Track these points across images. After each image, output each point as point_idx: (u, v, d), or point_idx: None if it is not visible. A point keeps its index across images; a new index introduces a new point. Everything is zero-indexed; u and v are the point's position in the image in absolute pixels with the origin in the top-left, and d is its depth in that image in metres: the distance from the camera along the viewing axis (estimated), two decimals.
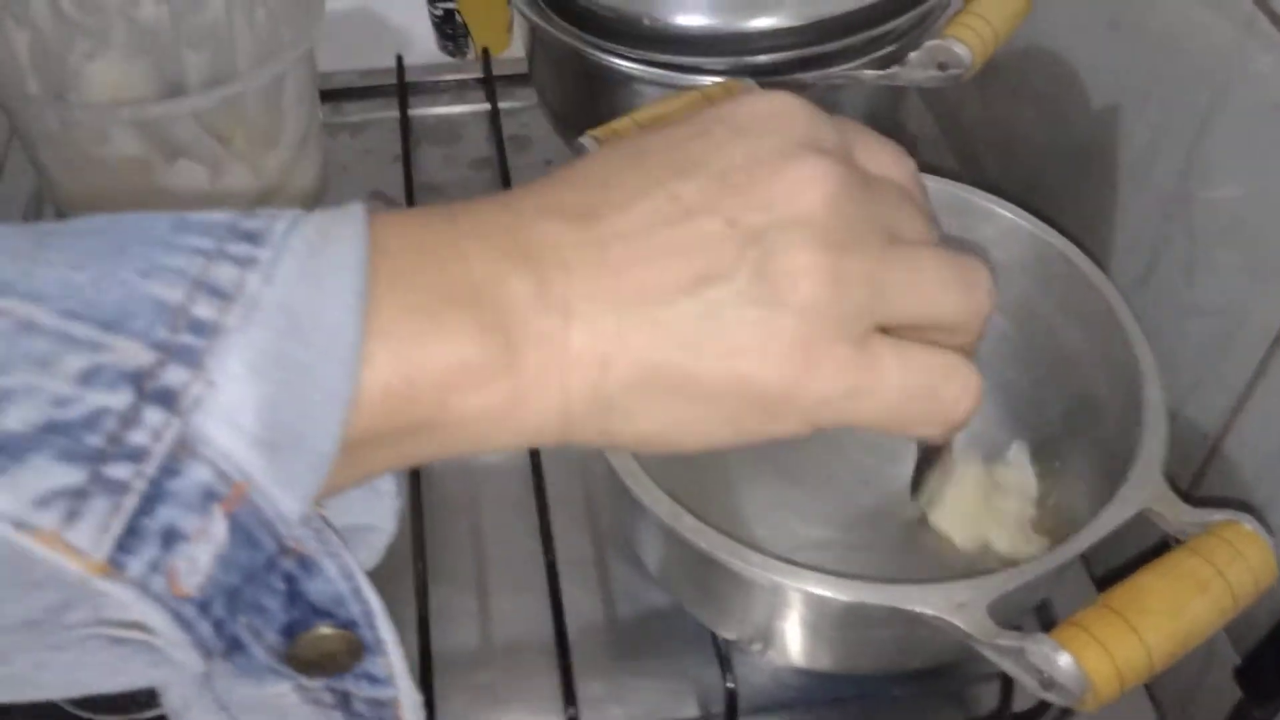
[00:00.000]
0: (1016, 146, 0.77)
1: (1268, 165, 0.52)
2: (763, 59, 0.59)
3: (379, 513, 0.32)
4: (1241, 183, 0.55)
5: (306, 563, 0.26)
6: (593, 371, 0.27)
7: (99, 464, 0.22)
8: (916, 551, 0.54)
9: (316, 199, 0.68)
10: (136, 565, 0.23)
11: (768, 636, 0.48)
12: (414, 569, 0.52)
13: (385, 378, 0.25)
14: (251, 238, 0.25)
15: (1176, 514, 0.43)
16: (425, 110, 0.79)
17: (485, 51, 0.81)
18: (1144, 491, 0.44)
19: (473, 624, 0.54)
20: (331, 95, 0.78)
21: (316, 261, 0.25)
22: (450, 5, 0.85)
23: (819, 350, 0.28)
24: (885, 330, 0.30)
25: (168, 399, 0.23)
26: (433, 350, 0.26)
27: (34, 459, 0.22)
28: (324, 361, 0.24)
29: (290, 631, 0.27)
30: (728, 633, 0.50)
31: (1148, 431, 0.46)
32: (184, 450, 0.23)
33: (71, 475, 0.22)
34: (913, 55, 0.58)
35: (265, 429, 0.24)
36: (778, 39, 0.59)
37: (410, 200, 0.69)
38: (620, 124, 0.53)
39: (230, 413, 0.24)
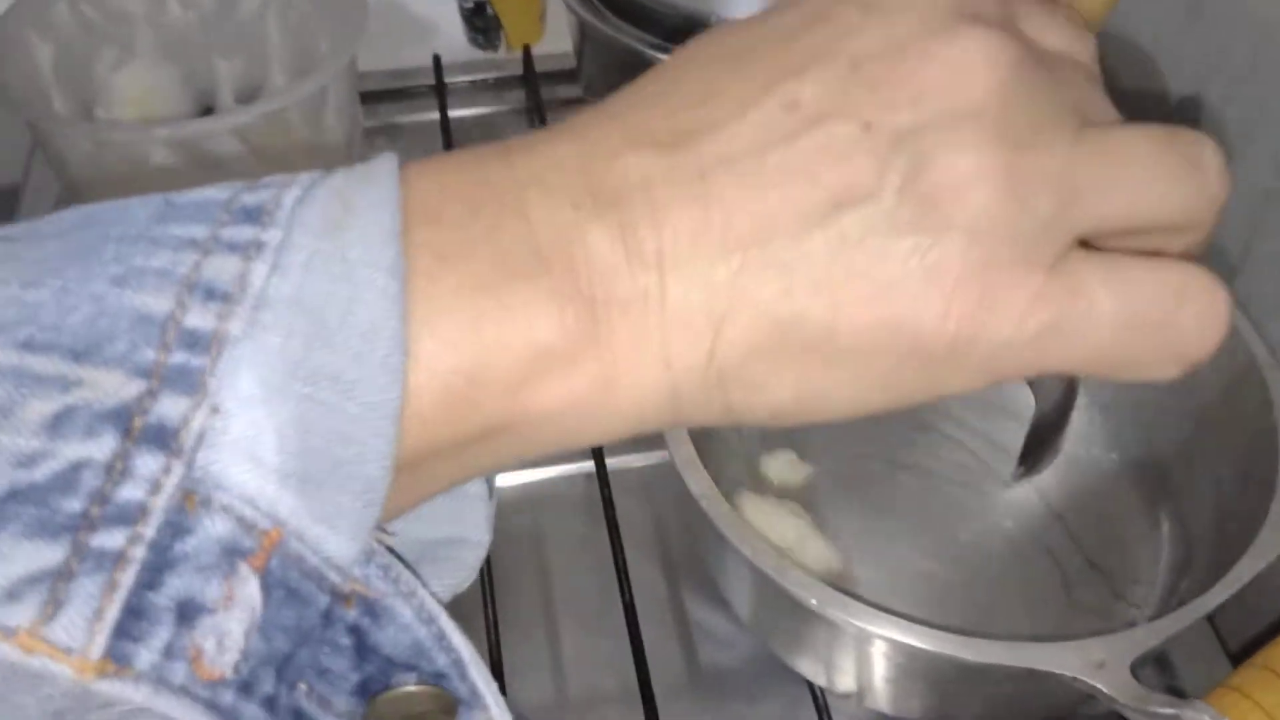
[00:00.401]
0: None
1: None
2: None
3: (469, 520, 0.27)
4: None
5: (374, 609, 0.22)
6: (703, 335, 0.22)
7: (81, 533, 0.18)
8: (1016, 583, 0.50)
9: None
10: (145, 655, 0.18)
11: (874, 688, 0.45)
12: (484, 614, 0.49)
13: (441, 377, 0.21)
14: (253, 216, 0.21)
15: None
16: (464, 111, 0.76)
17: (526, 49, 0.77)
18: None
19: (545, 673, 0.51)
20: (366, 97, 0.74)
21: (339, 238, 0.20)
22: None
23: (999, 280, 0.22)
24: (1089, 244, 0.23)
25: (164, 438, 0.19)
26: (497, 335, 0.21)
27: None
28: (360, 367, 0.20)
29: (366, 692, 0.22)
30: (824, 681, 0.47)
31: None
32: (192, 500, 0.19)
33: (46, 553, 0.18)
34: None
35: (294, 459, 0.20)
36: None
37: None
38: None
39: (247, 445, 0.19)
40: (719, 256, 0.22)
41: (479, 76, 0.78)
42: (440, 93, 0.74)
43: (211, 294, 0.20)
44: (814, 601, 0.39)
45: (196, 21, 0.62)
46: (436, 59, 0.75)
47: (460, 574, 0.27)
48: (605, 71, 0.65)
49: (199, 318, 0.19)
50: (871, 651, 0.42)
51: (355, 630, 0.22)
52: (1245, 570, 0.40)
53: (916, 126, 0.22)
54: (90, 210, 0.21)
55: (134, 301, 0.20)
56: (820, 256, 0.22)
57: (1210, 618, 0.51)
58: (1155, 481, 0.52)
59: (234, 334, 0.19)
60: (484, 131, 0.75)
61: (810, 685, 0.48)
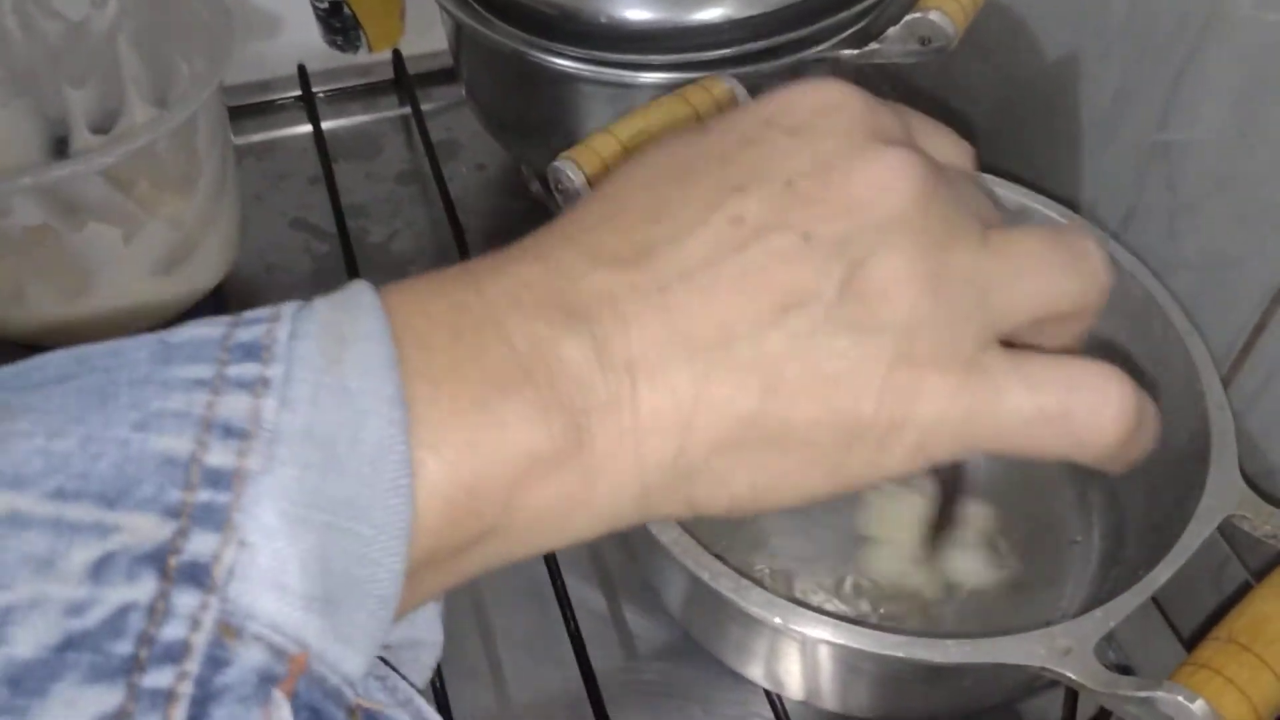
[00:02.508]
0: (971, 104, 0.73)
1: (1254, 108, 0.49)
2: (728, 51, 0.54)
3: (421, 622, 0.27)
4: (1226, 127, 0.52)
5: None
6: (672, 435, 0.24)
7: (135, 675, 0.19)
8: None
9: (237, 242, 0.61)
10: None
11: (828, 691, 0.44)
12: None
13: (444, 492, 0.22)
14: (253, 353, 0.22)
15: (1265, 519, 0.41)
16: (337, 121, 0.72)
17: (397, 52, 0.74)
18: (1226, 500, 0.41)
19: (494, 708, 0.49)
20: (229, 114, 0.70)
21: (339, 371, 0.22)
22: None
23: (925, 371, 0.24)
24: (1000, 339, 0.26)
25: (199, 575, 0.20)
26: (493, 449, 0.23)
27: (57, 689, 0.18)
28: (371, 491, 0.21)
29: None
30: (775, 686, 0.46)
31: (1215, 432, 0.43)
32: (229, 633, 0.20)
33: (106, 698, 0.19)
34: (891, 31, 0.53)
35: (316, 584, 0.21)
36: (743, 29, 0.54)
37: (341, 228, 0.63)
38: (599, 140, 0.47)
39: (273, 575, 0.20)
40: (684, 361, 0.24)
41: (348, 84, 0.74)
42: (310, 104, 0.70)
43: (229, 432, 0.21)
44: (778, 620, 0.38)
45: (42, 51, 0.58)
46: (302, 68, 0.72)
47: (419, 675, 0.28)
48: (486, 73, 0.62)
49: (219, 456, 0.20)
50: (825, 658, 0.41)
51: None
52: (1191, 539, 0.40)
53: (849, 235, 0.24)
54: (80, 354, 0.22)
55: (157, 445, 0.20)
56: (774, 356, 0.24)
57: (1155, 597, 0.52)
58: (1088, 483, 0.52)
59: (253, 469, 0.20)
60: (361, 144, 0.72)
61: (767, 693, 0.47)
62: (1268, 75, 0.48)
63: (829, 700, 0.45)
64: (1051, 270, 0.26)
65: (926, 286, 0.24)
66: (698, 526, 0.41)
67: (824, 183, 0.25)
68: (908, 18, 0.53)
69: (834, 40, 0.55)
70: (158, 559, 0.20)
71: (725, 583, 0.39)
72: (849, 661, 0.41)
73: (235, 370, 0.21)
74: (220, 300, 0.59)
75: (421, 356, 0.23)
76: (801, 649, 0.42)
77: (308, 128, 0.70)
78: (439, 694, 0.46)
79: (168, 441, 0.20)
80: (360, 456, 0.21)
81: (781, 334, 0.24)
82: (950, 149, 0.29)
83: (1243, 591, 0.43)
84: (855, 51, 0.55)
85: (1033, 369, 0.25)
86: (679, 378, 0.24)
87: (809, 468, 0.25)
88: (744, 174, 0.25)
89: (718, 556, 0.40)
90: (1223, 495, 0.41)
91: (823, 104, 0.26)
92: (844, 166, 0.25)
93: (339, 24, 0.79)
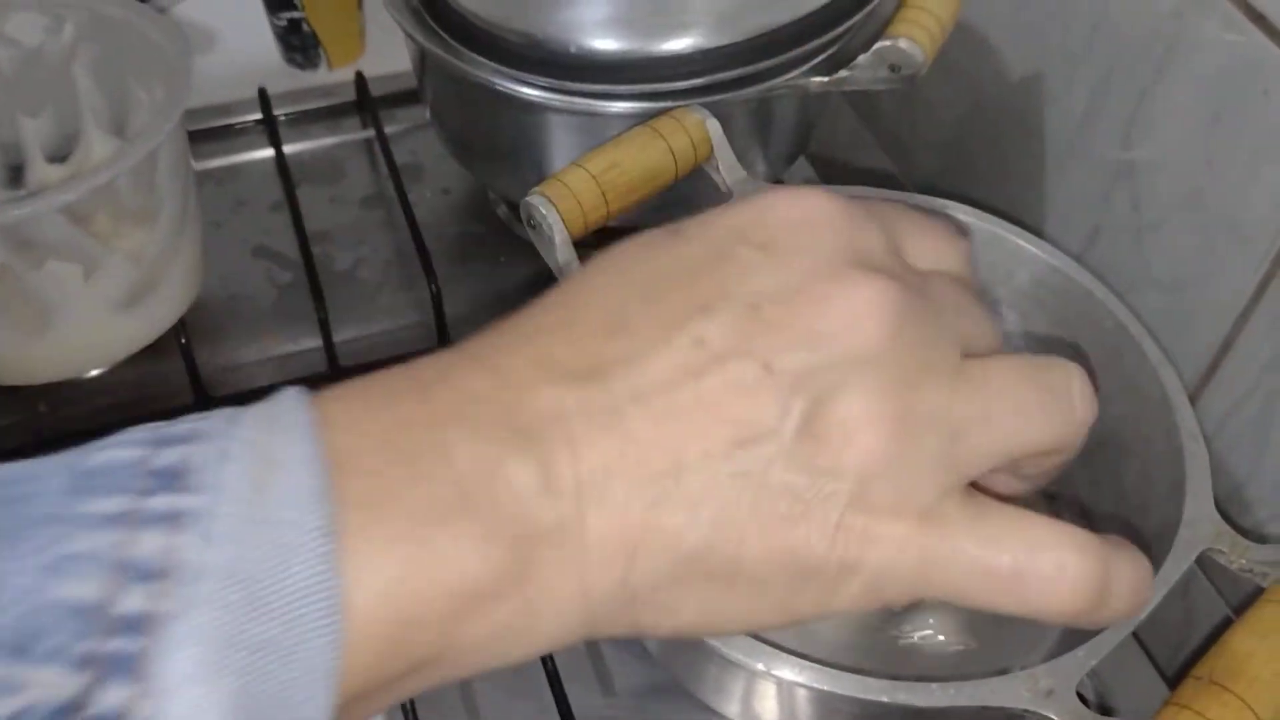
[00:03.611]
0: (935, 125, 0.73)
1: (1218, 127, 0.50)
2: (698, 81, 0.53)
3: None
4: (1191, 145, 0.53)
5: None
6: (618, 565, 0.24)
7: None
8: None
9: (201, 275, 0.60)
10: None
11: None
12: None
13: (376, 629, 0.22)
14: (173, 481, 0.21)
15: (1240, 553, 0.41)
16: (299, 145, 0.71)
17: (360, 75, 0.73)
18: (1202, 532, 0.41)
19: None
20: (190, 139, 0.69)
21: (264, 500, 0.21)
22: (297, 15, 0.77)
23: (880, 517, 0.24)
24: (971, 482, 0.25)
25: None
26: (429, 581, 0.22)
27: None
28: (296, 632, 0.21)
29: None
30: None
31: (1190, 464, 0.43)
32: None
33: None
34: (861, 58, 0.53)
35: None
36: (713, 59, 0.53)
37: (305, 254, 0.62)
38: (570, 174, 0.47)
39: None
40: (633, 490, 0.23)
41: (310, 106, 0.73)
42: (271, 128, 0.69)
43: (141, 574, 0.20)
44: (760, 665, 0.38)
45: None
46: (263, 92, 0.71)
47: None
48: (453, 101, 0.62)
49: (132, 601, 0.20)
50: (804, 699, 0.41)
51: None
52: (1169, 574, 0.40)
53: (813, 369, 0.24)
54: None
55: (64, 592, 0.20)
56: (725, 491, 0.23)
57: (1136, 633, 0.52)
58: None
59: (169, 613, 0.20)
60: (324, 169, 0.71)
61: None
62: (1232, 94, 0.49)
63: None
64: (1028, 410, 0.25)
65: (891, 430, 0.24)
66: None
67: (791, 309, 0.24)
68: (877, 45, 0.53)
69: (803, 69, 0.55)
70: (68, 714, 0.19)
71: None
72: (828, 703, 0.41)
73: (153, 502, 0.21)
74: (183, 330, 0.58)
75: (355, 483, 0.22)
76: (779, 689, 0.41)
77: (269, 152, 0.69)
78: None
79: (77, 587, 0.20)
80: (286, 594, 0.20)
81: (735, 469, 0.23)
82: (941, 251, 0.28)
83: (1218, 624, 0.43)
84: (825, 79, 0.55)
85: (992, 526, 0.25)
86: (628, 507, 0.23)
87: (757, 603, 0.25)
88: (710, 292, 0.24)
89: None
90: (1199, 528, 0.41)
91: (800, 218, 0.25)
92: (814, 293, 0.24)
93: (298, 41, 0.78)
